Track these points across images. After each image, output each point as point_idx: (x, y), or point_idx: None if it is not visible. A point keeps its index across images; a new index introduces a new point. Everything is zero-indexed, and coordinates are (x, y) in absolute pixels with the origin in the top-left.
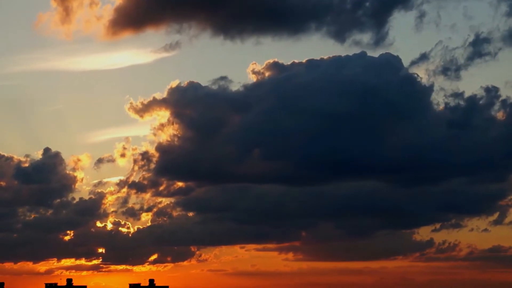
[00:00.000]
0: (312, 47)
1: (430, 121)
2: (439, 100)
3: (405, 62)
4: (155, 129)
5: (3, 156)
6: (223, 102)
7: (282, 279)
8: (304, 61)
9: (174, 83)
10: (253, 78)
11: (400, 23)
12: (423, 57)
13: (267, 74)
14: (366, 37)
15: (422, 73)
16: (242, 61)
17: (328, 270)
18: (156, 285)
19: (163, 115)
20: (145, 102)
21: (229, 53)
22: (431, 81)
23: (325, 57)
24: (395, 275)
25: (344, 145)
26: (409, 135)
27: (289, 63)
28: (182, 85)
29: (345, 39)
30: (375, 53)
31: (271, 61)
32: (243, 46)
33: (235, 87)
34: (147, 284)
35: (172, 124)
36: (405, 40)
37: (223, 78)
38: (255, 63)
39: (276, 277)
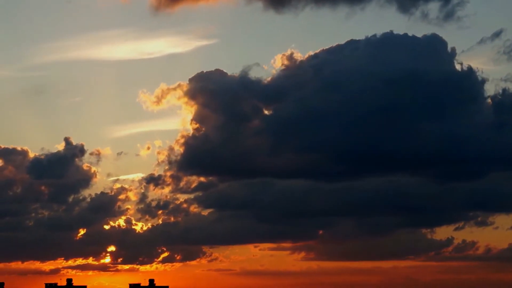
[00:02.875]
0: (370, 22)
1: (476, 111)
2: (490, 88)
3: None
4: (179, 123)
5: (17, 150)
6: (250, 93)
7: (287, 279)
8: (338, 43)
9: (201, 73)
10: (284, 66)
11: None
12: (494, 35)
13: (297, 61)
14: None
15: (486, 55)
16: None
17: (336, 270)
18: (156, 285)
19: (188, 108)
20: (170, 94)
21: (276, 35)
22: (490, 65)
23: (374, 35)
24: (401, 275)
25: (377, 138)
26: (450, 126)
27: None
28: (209, 75)
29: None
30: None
31: (289, 52)
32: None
33: (265, 75)
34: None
35: (197, 117)
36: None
37: (253, 65)
38: (286, 52)
39: (282, 277)
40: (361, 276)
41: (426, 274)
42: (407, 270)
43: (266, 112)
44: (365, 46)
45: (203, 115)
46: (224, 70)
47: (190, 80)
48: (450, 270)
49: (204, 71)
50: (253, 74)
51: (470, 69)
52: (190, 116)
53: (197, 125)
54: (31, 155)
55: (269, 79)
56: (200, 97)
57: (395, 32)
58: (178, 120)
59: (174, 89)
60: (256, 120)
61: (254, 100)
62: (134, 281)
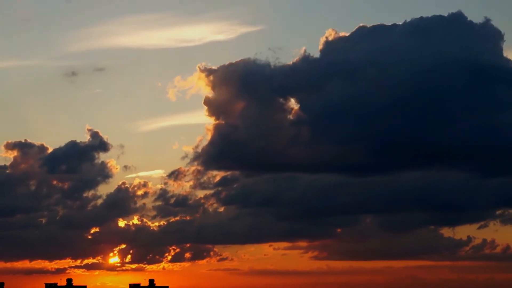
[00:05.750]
0: None
1: None
2: None
3: None
4: (205, 117)
5: (33, 143)
6: (282, 83)
7: (293, 279)
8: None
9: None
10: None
11: None
12: None
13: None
14: None
15: None
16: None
17: (344, 270)
18: (156, 285)
19: (215, 100)
20: (199, 86)
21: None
22: None
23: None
24: (408, 274)
25: (415, 129)
26: (495, 118)
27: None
28: (239, 64)
29: None
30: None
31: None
32: None
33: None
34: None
35: (224, 110)
36: None
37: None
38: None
39: (288, 277)
40: (367, 276)
41: (434, 274)
42: (416, 270)
43: (297, 103)
44: (403, 30)
45: (231, 107)
46: (266, 59)
47: (217, 70)
48: (459, 270)
49: (233, 61)
50: (286, 61)
51: None
52: (216, 108)
53: (224, 118)
54: (50, 148)
55: (291, 62)
56: (228, 88)
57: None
58: (205, 113)
59: (203, 80)
60: (285, 112)
61: (285, 91)
62: (140, 281)
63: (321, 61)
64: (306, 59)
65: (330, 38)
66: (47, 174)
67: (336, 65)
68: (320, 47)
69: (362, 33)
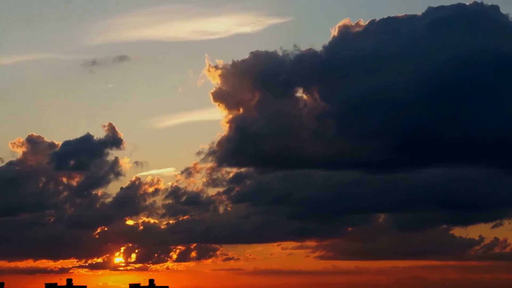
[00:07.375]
0: None
1: None
2: None
3: None
4: (220, 113)
5: (42, 139)
6: (293, 74)
7: (295, 279)
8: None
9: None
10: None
11: None
12: None
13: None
14: None
15: None
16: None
17: (348, 270)
18: (156, 285)
19: (231, 96)
20: (215, 81)
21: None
22: None
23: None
24: (411, 274)
25: (436, 125)
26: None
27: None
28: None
29: None
30: None
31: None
32: None
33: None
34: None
35: (239, 105)
36: None
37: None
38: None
39: (291, 276)
40: (370, 276)
41: (437, 274)
42: (419, 270)
43: (315, 97)
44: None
45: (245, 102)
46: (282, 52)
47: (230, 64)
48: (464, 270)
49: (246, 56)
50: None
51: None
52: (230, 103)
53: (238, 113)
54: (59, 144)
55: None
56: (242, 82)
57: None
58: (219, 108)
59: (214, 74)
60: (302, 107)
61: (301, 84)
62: (142, 281)
63: (340, 53)
64: (324, 52)
65: (348, 30)
66: (55, 170)
67: (356, 58)
68: (339, 39)
69: (383, 24)
